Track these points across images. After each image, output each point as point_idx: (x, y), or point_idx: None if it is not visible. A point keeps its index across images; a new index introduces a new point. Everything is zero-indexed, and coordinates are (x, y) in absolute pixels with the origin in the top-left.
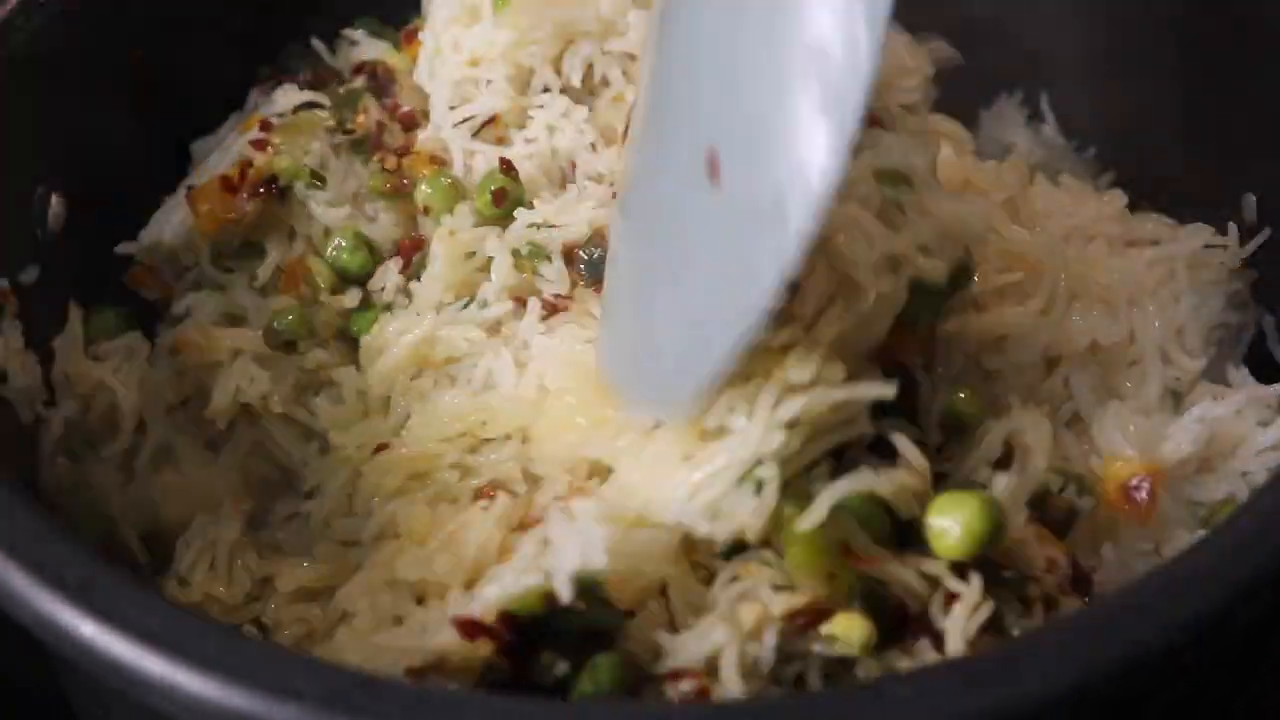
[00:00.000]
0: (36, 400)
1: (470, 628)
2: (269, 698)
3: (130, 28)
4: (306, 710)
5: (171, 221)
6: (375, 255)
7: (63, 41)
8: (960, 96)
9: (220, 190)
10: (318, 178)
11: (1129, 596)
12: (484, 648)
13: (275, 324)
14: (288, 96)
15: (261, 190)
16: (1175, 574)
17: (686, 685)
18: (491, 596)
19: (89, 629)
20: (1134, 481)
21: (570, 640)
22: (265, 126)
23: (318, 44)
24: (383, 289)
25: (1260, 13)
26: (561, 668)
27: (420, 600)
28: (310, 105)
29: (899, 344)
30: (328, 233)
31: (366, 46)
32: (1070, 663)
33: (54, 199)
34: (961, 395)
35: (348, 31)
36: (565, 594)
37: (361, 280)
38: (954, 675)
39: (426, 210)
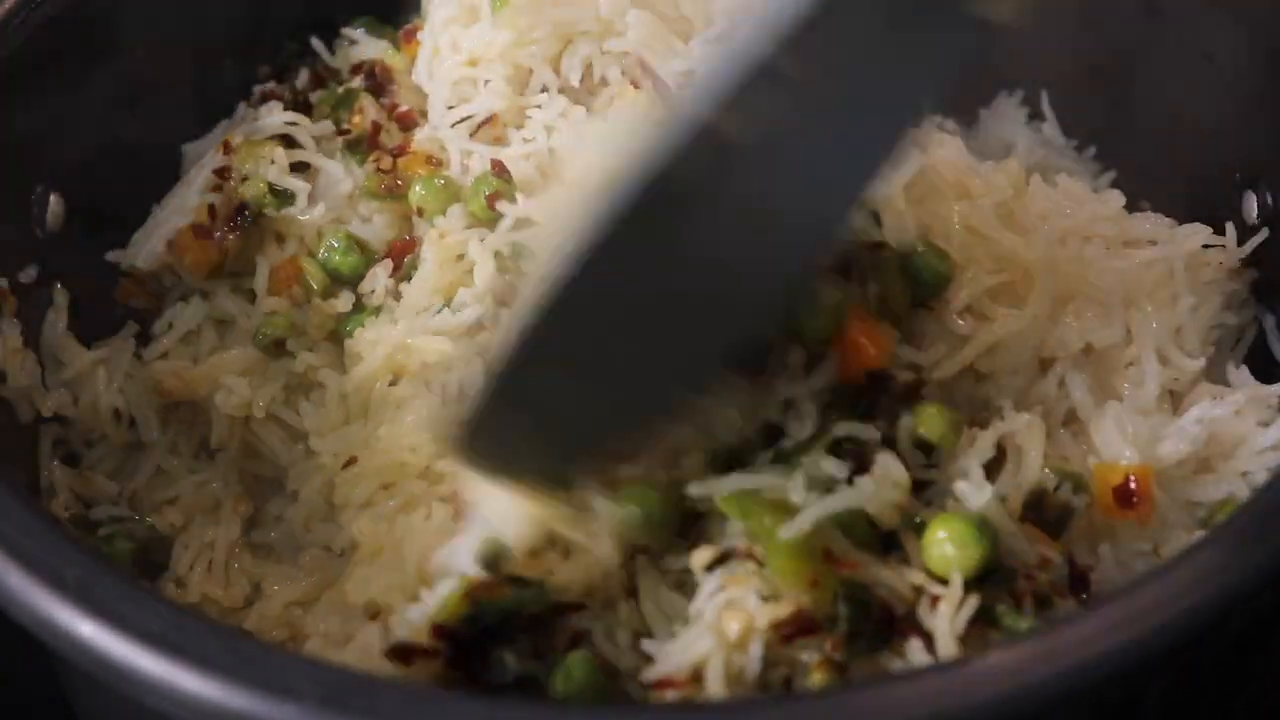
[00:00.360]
0: (36, 399)
1: (402, 654)
2: (269, 698)
3: (129, 27)
4: (306, 710)
5: (147, 248)
6: (368, 256)
7: (62, 41)
8: (960, 96)
9: (195, 238)
10: (283, 194)
11: (1129, 596)
12: (426, 665)
13: (263, 329)
14: (271, 115)
15: (235, 222)
16: (1175, 574)
17: (671, 695)
18: (416, 616)
19: (88, 629)
20: (1128, 484)
21: (512, 634)
22: (226, 149)
23: (317, 43)
24: (373, 292)
25: (1260, 12)
26: (512, 661)
27: (374, 616)
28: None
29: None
30: (321, 234)
31: (365, 46)
32: (1069, 663)
33: (53, 198)
34: (926, 421)
35: (347, 30)
36: (471, 571)
37: (354, 282)
38: (952, 675)
39: (420, 212)
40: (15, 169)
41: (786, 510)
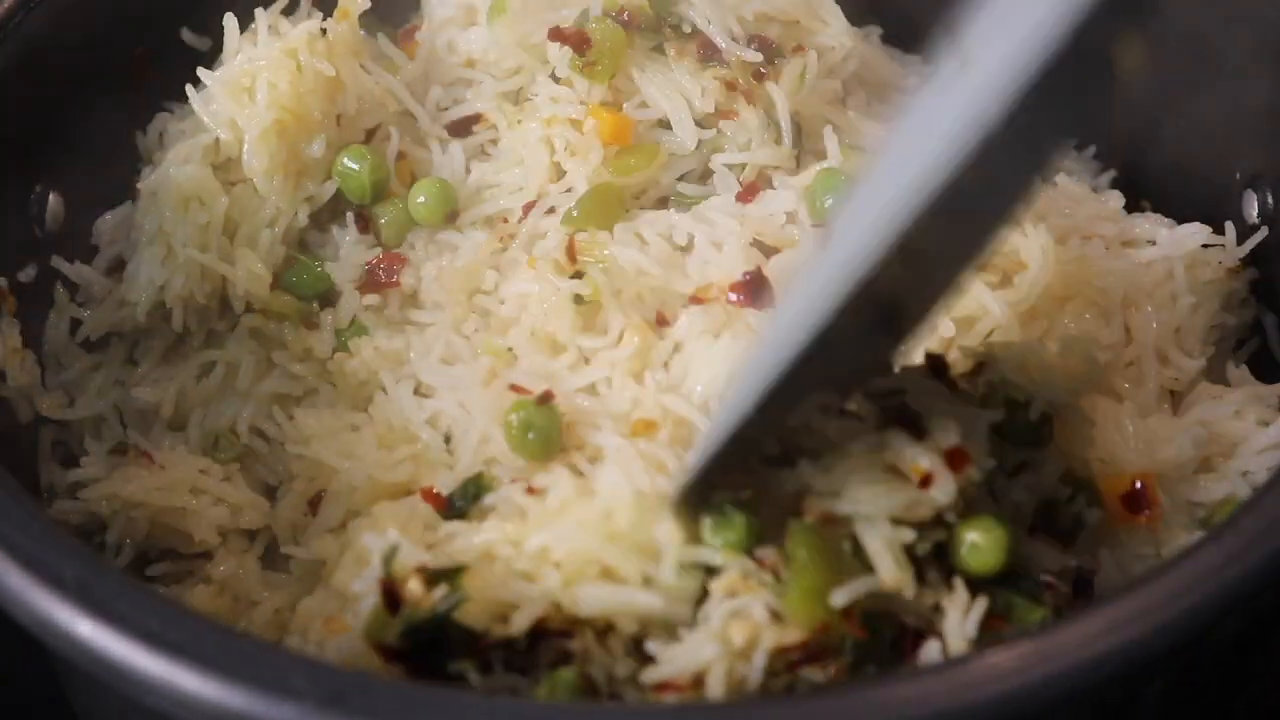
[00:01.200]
0: (35, 399)
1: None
2: (268, 697)
3: (130, 26)
4: (305, 710)
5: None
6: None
7: (62, 40)
8: None
9: None
10: None
11: (1129, 597)
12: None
13: (208, 438)
14: None
15: None
16: (1175, 574)
17: (671, 698)
18: (345, 645)
19: (86, 628)
20: (1135, 489)
21: (466, 648)
22: None
23: None
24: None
25: (1259, 12)
26: (476, 678)
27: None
28: None
29: None
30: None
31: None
32: (1069, 662)
33: (52, 198)
34: (979, 548)
35: None
36: (377, 570)
37: (321, 298)
38: (951, 675)
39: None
40: (13, 168)
41: (840, 560)
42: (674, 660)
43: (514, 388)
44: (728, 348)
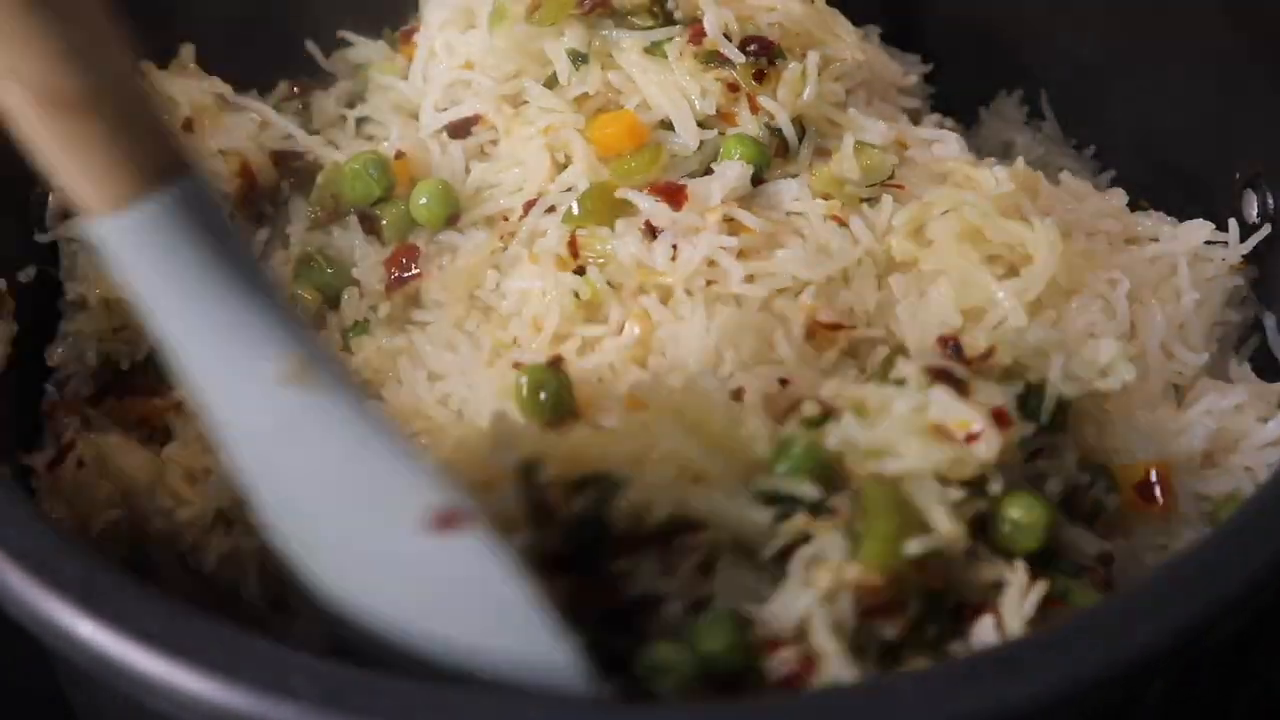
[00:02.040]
0: None
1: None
2: (268, 697)
3: (129, 26)
4: (306, 710)
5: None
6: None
7: None
8: (960, 95)
9: None
10: None
11: (1132, 596)
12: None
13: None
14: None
15: None
16: (1176, 574)
17: (787, 654)
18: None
19: (87, 628)
20: (1150, 479)
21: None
22: None
23: (311, 46)
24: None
25: (1260, 10)
26: (647, 573)
27: None
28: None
29: None
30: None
31: (361, 48)
32: (1072, 662)
33: (52, 198)
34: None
35: (343, 33)
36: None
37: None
38: (954, 675)
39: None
40: (15, 169)
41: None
42: (775, 616)
43: (519, 365)
44: (720, 322)
